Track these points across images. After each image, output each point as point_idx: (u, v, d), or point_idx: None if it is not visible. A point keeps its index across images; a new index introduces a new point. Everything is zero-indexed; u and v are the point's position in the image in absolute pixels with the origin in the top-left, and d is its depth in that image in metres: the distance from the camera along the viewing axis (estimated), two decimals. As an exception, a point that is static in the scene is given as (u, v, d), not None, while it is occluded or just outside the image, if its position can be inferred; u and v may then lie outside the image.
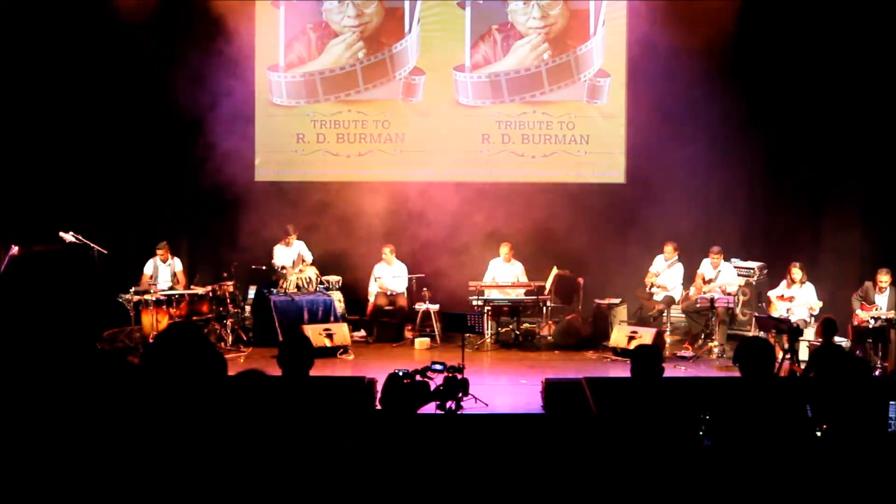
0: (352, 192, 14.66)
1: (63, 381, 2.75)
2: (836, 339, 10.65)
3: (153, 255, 13.36)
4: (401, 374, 7.35)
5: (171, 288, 13.12)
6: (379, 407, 6.18)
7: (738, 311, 13.73)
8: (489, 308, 13.70)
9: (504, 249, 14.14)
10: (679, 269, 13.72)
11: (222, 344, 12.62)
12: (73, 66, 13.66)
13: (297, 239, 14.01)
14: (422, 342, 13.35)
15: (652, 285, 13.73)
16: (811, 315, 12.55)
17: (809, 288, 12.65)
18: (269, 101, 15.11)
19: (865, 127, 13.55)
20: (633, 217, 14.61)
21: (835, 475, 4.94)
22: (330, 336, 12.52)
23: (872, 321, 11.85)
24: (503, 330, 14.13)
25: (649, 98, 14.45)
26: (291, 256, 13.90)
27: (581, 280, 13.97)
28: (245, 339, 13.17)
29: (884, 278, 12.06)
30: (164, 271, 13.35)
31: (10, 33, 13.26)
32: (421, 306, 13.92)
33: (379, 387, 9.29)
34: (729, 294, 13.16)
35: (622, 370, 11.12)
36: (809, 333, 12.20)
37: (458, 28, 15.06)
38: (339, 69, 15.06)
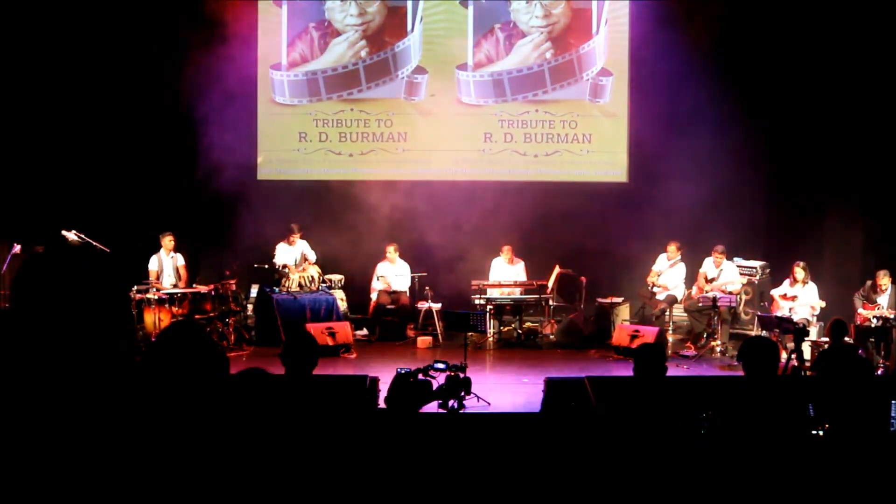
0: (354, 191, 14.65)
1: (72, 379, 2.76)
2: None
3: (156, 251, 13.33)
4: (404, 372, 7.36)
5: (174, 285, 13.10)
6: (383, 406, 6.18)
7: (740, 310, 13.73)
8: (491, 307, 13.69)
9: (506, 253, 14.16)
10: (681, 268, 13.71)
11: (224, 343, 12.59)
12: (75, 64, 13.66)
13: (301, 238, 14.01)
14: (424, 341, 13.35)
15: (653, 285, 13.73)
16: (813, 314, 12.55)
17: (812, 287, 12.65)
18: (271, 99, 15.12)
19: (869, 126, 13.53)
20: (635, 216, 14.60)
21: (837, 474, 4.94)
22: (332, 335, 12.51)
23: (875, 320, 11.84)
24: (505, 329, 14.13)
25: (652, 97, 14.46)
26: (294, 255, 13.90)
27: (583, 279, 13.95)
28: (247, 337, 13.16)
29: (883, 280, 12.05)
30: (168, 264, 13.27)
31: (12, 31, 13.26)
32: (423, 305, 13.93)
33: (382, 386, 9.31)
34: (731, 293, 13.15)
35: (625, 369, 11.11)
36: (812, 333, 12.19)
37: (460, 27, 15.07)
38: (342, 68, 15.07)
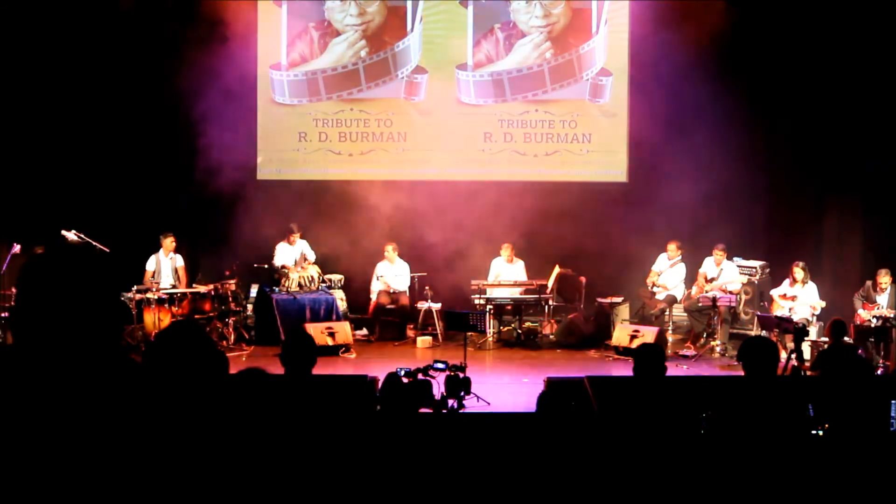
0: (354, 191, 14.63)
1: (72, 379, 2.75)
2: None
3: (154, 251, 13.32)
4: (402, 373, 7.35)
5: (172, 286, 13.10)
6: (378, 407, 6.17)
7: (740, 310, 13.72)
8: (491, 307, 13.69)
9: (506, 250, 14.14)
10: (681, 268, 13.70)
11: (224, 342, 12.60)
12: (74, 64, 13.64)
13: (300, 238, 14.00)
14: (424, 341, 13.34)
15: (653, 284, 13.72)
16: (813, 314, 12.55)
17: (811, 287, 12.65)
18: (271, 99, 15.11)
19: (868, 125, 13.53)
20: (635, 216, 14.58)
21: (837, 474, 4.93)
22: (332, 335, 12.51)
23: (874, 320, 11.84)
24: (505, 329, 14.10)
25: (651, 97, 14.43)
26: (294, 255, 13.89)
27: (583, 279, 13.95)
28: (247, 337, 13.16)
29: (884, 279, 12.06)
30: (166, 265, 13.27)
31: (11, 31, 13.25)
32: (423, 305, 13.92)
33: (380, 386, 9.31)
34: (731, 293, 13.15)
35: (624, 369, 11.11)
36: (812, 333, 12.20)
37: (460, 27, 15.06)
38: (342, 68, 15.06)
